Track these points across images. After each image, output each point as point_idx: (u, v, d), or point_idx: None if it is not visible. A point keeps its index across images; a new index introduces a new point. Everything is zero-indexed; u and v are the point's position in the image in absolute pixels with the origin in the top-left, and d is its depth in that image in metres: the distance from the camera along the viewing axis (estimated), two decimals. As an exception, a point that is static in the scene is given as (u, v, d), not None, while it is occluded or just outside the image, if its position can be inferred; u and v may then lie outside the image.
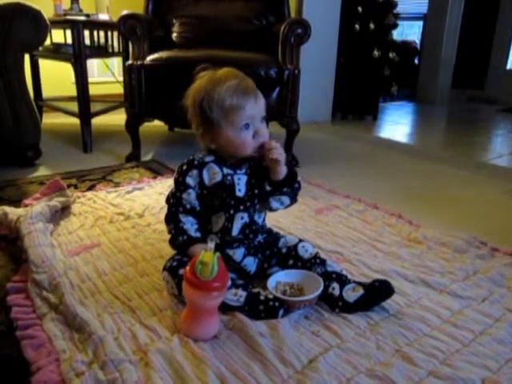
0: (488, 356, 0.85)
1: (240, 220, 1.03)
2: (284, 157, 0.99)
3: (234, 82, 0.96)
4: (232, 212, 1.02)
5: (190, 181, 1.02)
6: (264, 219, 1.11)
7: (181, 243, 1.02)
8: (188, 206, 1.03)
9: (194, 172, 1.02)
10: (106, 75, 3.40)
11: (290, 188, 1.03)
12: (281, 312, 0.93)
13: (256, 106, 0.97)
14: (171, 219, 1.04)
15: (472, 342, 0.89)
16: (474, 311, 0.99)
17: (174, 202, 1.04)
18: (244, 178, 1.03)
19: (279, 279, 1.02)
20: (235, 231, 1.03)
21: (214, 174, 1.01)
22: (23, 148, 2.01)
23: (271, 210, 1.08)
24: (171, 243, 1.05)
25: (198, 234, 1.03)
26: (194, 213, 1.03)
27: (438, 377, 0.79)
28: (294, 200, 1.07)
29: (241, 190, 1.02)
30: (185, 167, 1.03)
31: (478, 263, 1.21)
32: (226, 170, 1.02)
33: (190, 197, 1.02)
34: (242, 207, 1.03)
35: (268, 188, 1.02)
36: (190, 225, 1.03)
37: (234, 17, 2.48)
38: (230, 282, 0.94)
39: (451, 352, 0.86)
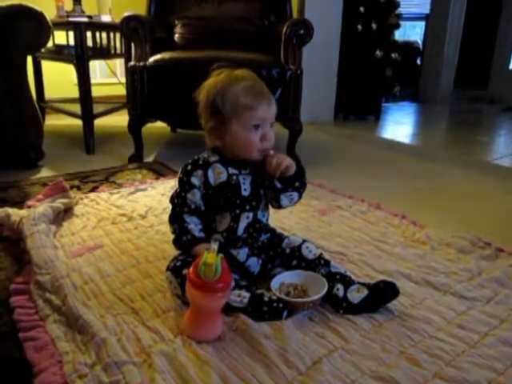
0: (494, 357, 0.84)
1: (246, 220, 1.03)
2: (285, 157, 0.99)
3: (250, 83, 0.98)
4: (238, 212, 1.02)
5: (194, 181, 1.02)
6: (267, 218, 1.11)
7: (185, 243, 1.02)
8: (193, 206, 1.02)
9: (199, 172, 1.02)
10: (109, 76, 3.40)
11: (301, 182, 1.04)
12: (285, 314, 0.93)
13: (268, 110, 0.98)
14: (175, 219, 1.04)
15: (477, 343, 0.88)
16: (479, 312, 0.98)
17: (179, 201, 1.03)
18: (249, 178, 1.03)
19: (283, 280, 1.01)
20: (240, 231, 1.03)
21: (219, 173, 1.01)
22: (26, 149, 2.01)
23: (280, 207, 1.08)
24: (175, 243, 1.04)
25: (202, 234, 1.03)
26: (198, 213, 1.03)
27: (444, 378, 0.78)
28: (300, 196, 1.08)
29: (246, 189, 1.02)
30: (189, 167, 1.03)
31: (483, 264, 1.21)
32: (231, 170, 1.02)
33: (195, 197, 1.02)
34: (247, 207, 1.03)
35: (279, 185, 1.02)
36: (194, 225, 1.02)
37: (236, 17, 2.48)
38: (233, 283, 0.94)
39: (456, 353, 0.85)
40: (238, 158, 1.02)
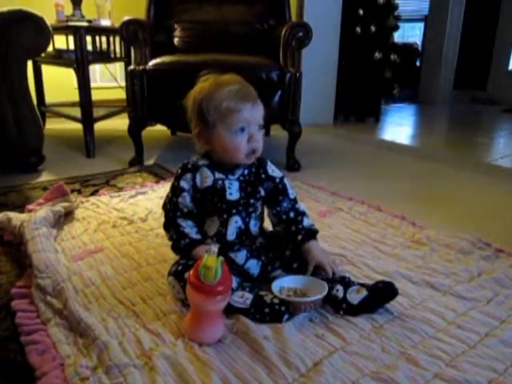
0: (494, 358, 0.84)
1: (234, 224, 1.04)
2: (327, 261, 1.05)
3: (234, 87, 0.98)
4: (225, 216, 1.03)
5: (184, 184, 1.03)
6: (259, 228, 1.11)
7: (183, 247, 1.02)
8: (185, 210, 1.03)
9: (188, 175, 1.03)
10: (109, 80, 3.41)
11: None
12: (285, 317, 0.93)
13: (253, 111, 0.98)
14: (170, 225, 1.05)
15: (478, 343, 0.89)
16: (479, 313, 0.99)
17: (171, 207, 1.04)
18: (236, 184, 1.04)
19: (283, 284, 1.01)
20: (230, 236, 1.04)
21: (205, 177, 1.02)
22: (26, 153, 2.02)
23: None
24: (174, 248, 1.05)
25: (200, 236, 1.03)
26: (191, 216, 1.04)
27: (444, 379, 0.78)
28: None
29: (232, 193, 1.03)
30: (179, 171, 1.05)
31: (483, 264, 1.21)
32: (217, 175, 1.03)
33: (186, 200, 1.03)
34: (234, 211, 1.03)
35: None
36: (189, 228, 1.03)
37: (235, 21, 2.49)
38: (236, 284, 0.94)
39: (457, 354, 0.85)
40: (226, 163, 1.03)
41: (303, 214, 1.11)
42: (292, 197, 1.11)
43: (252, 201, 1.05)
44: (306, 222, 1.10)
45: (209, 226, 1.05)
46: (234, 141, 0.98)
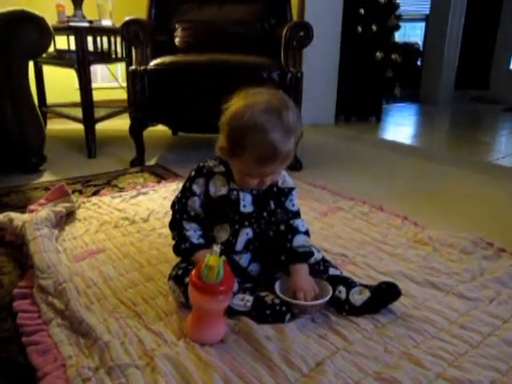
0: (497, 358, 0.84)
1: (245, 236, 1.02)
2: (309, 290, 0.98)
3: (272, 140, 0.88)
4: (237, 227, 1.01)
5: (195, 188, 1.01)
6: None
7: (183, 251, 1.01)
8: (192, 213, 1.02)
9: (201, 180, 1.01)
10: (110, 81, 3.41)
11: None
12: (287, 317, 0.93)
13: (276, 168, 0.94)
14: (175, 226, 1.04)
15: (480, 343, 0.88)
16: (482, 312, 0.98)
17: (179, 208, 1.03)
18: (249, 197, 1.01)
19: (285, 286, 1.00)
20: (239, 246, 1.02)
21: (220, 186, 1.00)
22: (28, 154, 2.02)
23: None
24: (174, 250, 1.04)
25: (201, 241, 1.02)
26: (198, 220, 1.03)
27: (447, 379, 0.78)
28: None
29: (245, 205, 1.01)
30: (193, 173, 1.02)
31: (485, 264, 1.20)
32: (232, 185, 1.00)
33: (195, 204, 1.02)
34: (246, 223, 1.02)
35: (283, 257, 1.03)
36: (193, 231, 1.02)
37: (236, 21, 2.48)
38: (237, 287, 0.94)
39: (459, 354, 0.85)
40: None
41: (296, 231, 1.04)
42: (290, 209, 1.06)
43: (264, 214, 1.04)
44: (297, 241, 1.03)
45: (218, 232, 1.03)
46: (243, 178, 0.96)
